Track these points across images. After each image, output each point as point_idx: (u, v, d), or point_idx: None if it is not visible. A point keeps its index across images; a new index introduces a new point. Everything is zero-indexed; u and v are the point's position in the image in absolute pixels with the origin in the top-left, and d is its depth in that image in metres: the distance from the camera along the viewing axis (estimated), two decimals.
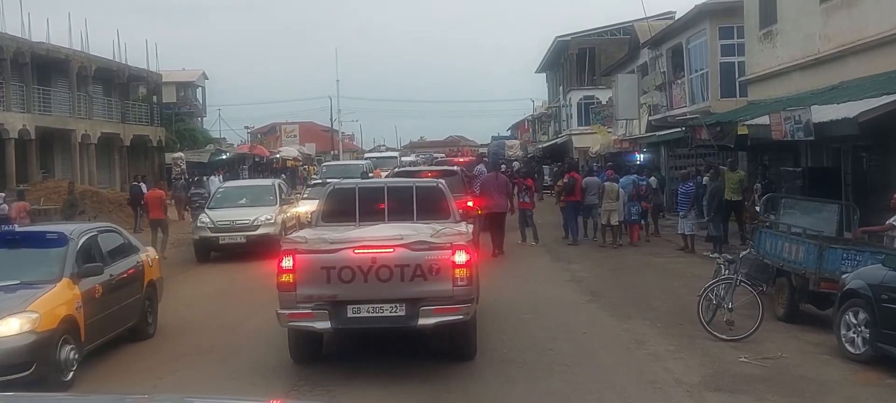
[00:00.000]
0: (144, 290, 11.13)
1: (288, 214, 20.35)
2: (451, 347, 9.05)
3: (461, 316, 8.50)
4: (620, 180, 22.17)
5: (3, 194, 23.98)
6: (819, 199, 11.90)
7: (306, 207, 20.61)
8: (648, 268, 16.08)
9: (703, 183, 19.70)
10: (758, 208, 19.02)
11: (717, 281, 9.97)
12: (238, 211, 19.55)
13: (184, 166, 46.93)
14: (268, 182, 23.69)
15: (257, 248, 18.15)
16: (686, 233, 18.35)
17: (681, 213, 18.68)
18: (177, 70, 73.46)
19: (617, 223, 19.93)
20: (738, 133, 18.93)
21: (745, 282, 9.67)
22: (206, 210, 19.80)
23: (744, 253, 9.92)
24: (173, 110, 64.44)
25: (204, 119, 77.68)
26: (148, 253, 11.83)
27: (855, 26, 17.14)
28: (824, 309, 10.56)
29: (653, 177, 23.08)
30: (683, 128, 23.26)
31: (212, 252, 19.12)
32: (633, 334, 10.26)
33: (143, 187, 28.28)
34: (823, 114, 13.45)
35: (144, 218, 23.23)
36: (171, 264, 19.13)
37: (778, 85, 21.18)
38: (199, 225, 19.35)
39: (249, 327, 11.74)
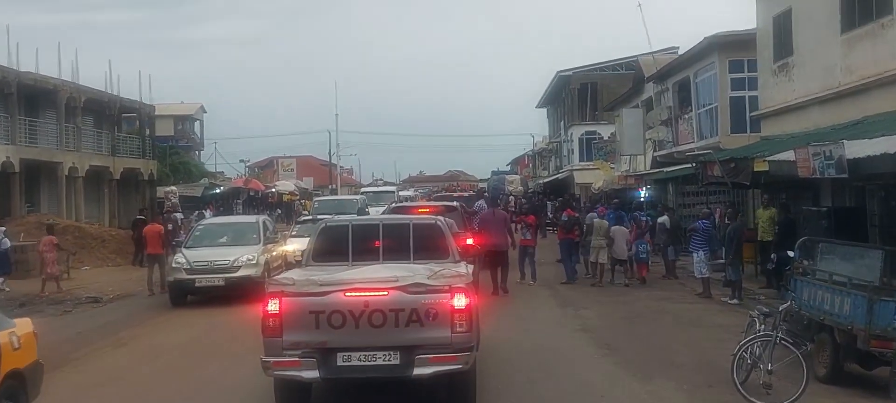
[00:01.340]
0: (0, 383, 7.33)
1: (273, 254, 19.02)
2: (449, 399, 8.36)
3: (460, 366, 7.86)
4: (610, 215, 21.70)
5: (4, 228, 23.17)
6: (860, 244, 10.74)
7: (294, 246, 19.46)
8: (665, 316, 14.82)
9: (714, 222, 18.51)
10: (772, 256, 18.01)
11: (754, 339, 8.73)
12: (217, 250, 18.22)
13: (176, 200, 45.89)
14: (252, 219, 22.41)
15: (238, 292, 16.91)
16: (703, 277, 17.13)
17: (693, 252, 17.46)
18: (175, 103, 72.97)
19: (604, 261, 19.59)
20: (755, 170, 17.76)
21: (786, 340, 8.43)
22: (182, 249, 18.43)
23: (784, 306, 8.66)
24: (169, 143, 63.71)
25: (201, 152, 77.14)
26: (15, 330, 7.80)
27: (880, 57, 16.10)
28: (872, 368, 9.36)
29: (664, 216, 21.96)
30: (694, 165, 22.14)
31: (188, 295, 17.77)
32: (658, 399, 8.96)
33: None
34: (856, 149, 12.29)
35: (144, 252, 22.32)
36: (142, 308, 18.01)
37: (794, 120, 20.13)
38: (173, 265, 17.98)
39: (230, 381, 10.60)
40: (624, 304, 16.43)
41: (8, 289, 21.30)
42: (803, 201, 19.57)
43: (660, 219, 21.84)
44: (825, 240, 10.40)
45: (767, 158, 16.38)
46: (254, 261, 17.68)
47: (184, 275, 17.44)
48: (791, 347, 8.40)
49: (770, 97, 21.83)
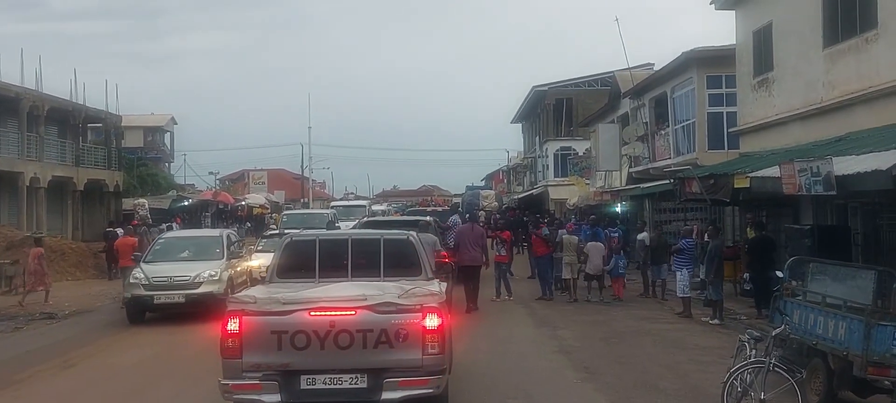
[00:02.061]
0: None
1: (237, 269, 18.24)
2: None
3: (431, 390, 7.57)
4: (585, 231, 21.85)
5: None
6: (852, 264, 10.24)
7: (259, 261, 18.70)
8: (645, 337, 14.25)
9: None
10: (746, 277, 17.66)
11: (745, 366, 8.16)
12: (178, 265, 17.41)
13: (148, 212, 44.87)
14: (215, 232, 21.59)
15: (199, 309, 16.11)
16: (684, 296, 16.62)
17: (677, 271, 16.97)
18: (145, 114, 71.86)
19: (575, 277, 19.60)
20: (736, 186, 17.34)
21: (779, 367, 7.87)
22: (140, 264, 17.57)
23: (777, 330, 8.10)
24: (138, 155, 62.62)
25: (171, 164, 75.96)
26: None
27: (864, 73, 15.75)
28: (866, 396, 8.84)
29: (644, 233, 21.52)
30: (672, 181, 21.72)
31: (146, 313, 16.93)
32: None
33: (119, 232, 27.27)
34: (844, 166, 11.83)
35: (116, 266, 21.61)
36: (99, 326, 17.16)
37: (774, 136, 19.76)
38: (131, 281, 17.12)
39: (189, 398, 10.14)
40: (602, 324, 15.86)
41: None
42: (783, 219, 19.19)
43: (639, 236, 21.37)
44: (816, 260, 9.87)
45: (749, 174, 15.93)
46: (216, 277, 16.90)
47: (142, 291, 16.61)
48: (785, 374, 7.83)
49: (749, 113, 21.47)
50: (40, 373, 12.06)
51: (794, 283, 9.91)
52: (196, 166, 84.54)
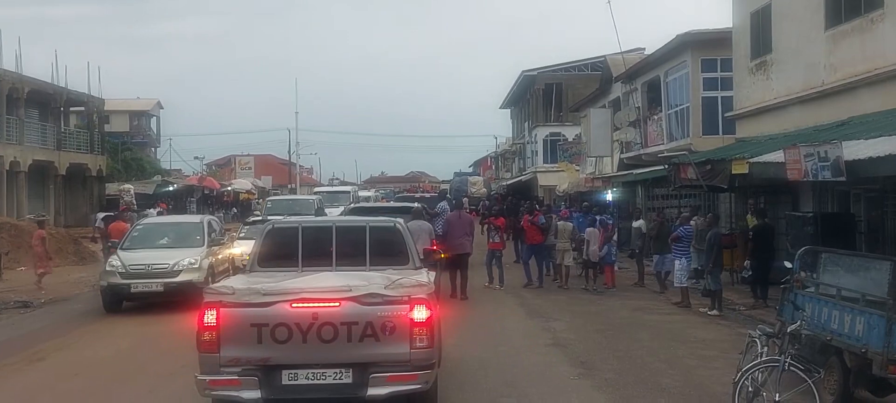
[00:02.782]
0: None
1: (218, 257, 17.55)
2: None
3: (419, 386, 7.26)
4: (580, 218, 21.57)
5: None
6: (866, 254, 9.70)
7: (242, 248, 18.03)
8: (642, 329, 13.67)
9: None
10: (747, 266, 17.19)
11: (757, 364, 7.59)
12: (156, 252, 16.67)
13: (133, 197, 44.12)
14: (195, 219, 20.84)
15: (178, 298, 15.43)
16: (682, 286, 16.08)
17: (675, 259, 16.42)
18: (131, 99, 70.88)
19: (569, 263, 19.46)
20: (734, 172, 16.78)
21: (796, 366, 7.31)
22: (117, 251, 16.83)
23: (793, 326, 7.53)
24: (123, 140, 61.79)
25: (157, 149, 75.11)
26: None
27: (869, 54, 15.22)
28: (883, 395, 8.33)
29: (640, 220, 21.01)
30: (666, 167, 21.17)
31: (123, 302, 16.24)
32: None
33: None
34: (855, 151, 11.29)
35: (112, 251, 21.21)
36: (74, 315, 16.47)
37: (773, 120, 19.26)
38: (107, 268, 16.40)
39: (163, 396, 9.53)
40: (596, 315, 15.29)
41: None
42: (781, 206, 18.70)
43: (634, 224, 20.83)
44: (828, 250, 9.31)
45: (749, 160, 15.38)
46: (196, 265, 16.22)
47: (118, 280, 15.89)
48: (802, 374, 7.28)
49: (746, 97, 20.96)
50: (7, 367, 11.37)
51: (804, 275, 9.33)
52: (182, 151, 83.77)
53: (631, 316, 15.16)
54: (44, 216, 27.83)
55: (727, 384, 8.90)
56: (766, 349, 7.85)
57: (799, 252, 9.34)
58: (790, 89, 18.27)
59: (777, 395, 7.23)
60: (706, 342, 12.33)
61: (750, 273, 16.14)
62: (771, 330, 8.10)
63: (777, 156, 13.66)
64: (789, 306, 8.78)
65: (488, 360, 10.96)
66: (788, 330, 7.52)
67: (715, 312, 14.98)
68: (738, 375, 7.65)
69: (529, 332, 13.47)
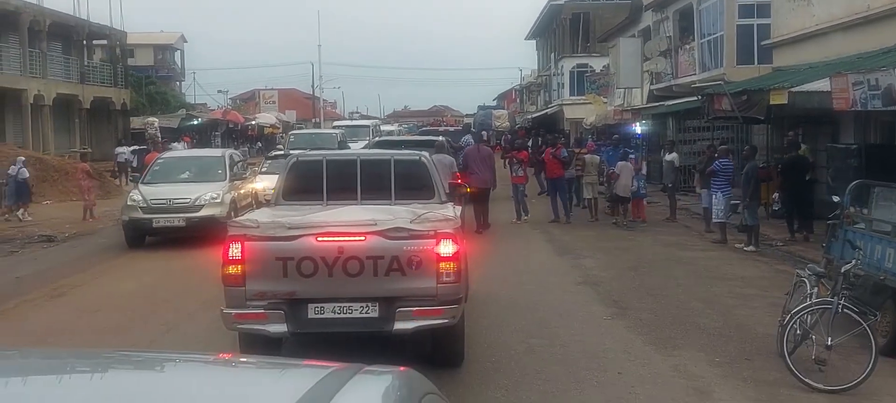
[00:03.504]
0: None
1: (241, 192, 17.26)
2: (435, 352, 7.60)
3: (446, 320, 7.09)
4: (610, 152, 21.40)
5: (23, 159, 22.63)
6: None
7: (264, 183, 17.71)
8: (677, 266, 13.22)
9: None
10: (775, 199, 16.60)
11: (809, 306, 7.14)
12: (178, 187, 16.37)
13: (157, 131, 43.94)
14: (217, 152, 20.51)
15: (200, 233, 15.18)
16: (720, 221, 15.56)
17: (713, 194, 15.87)
18: (155, 32, 70.42)
19: (597, 197, 19.42)
20: (772, 102, 16.11)
21: (850, 308, 6.85)
22: (138, 185, 16.57)
23: (847, 266, 7.04)
24: (147, 73, 61.58)
25: (182, 83, 74.86)
26: None
27: None
28: None
29: (673, 154, 20.39)
30: (699, 97, 20.49)
31: (146, 236, 16.05)
32: (687, 376, 7.33)
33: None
34: None
35: None
36: (97, 249, 16.33)
37: (812, 49, 18.44)
38: (129, 203, 16.15)
39: (184, 332, 9.32)
40: (628, 251, 14.85)
41: (30, 218, 21.05)
42: (821, 138, 18.01)
43: (667, 157, 20.23)
44: (881, 184, 8.75)
45: (789, 89, 14.69)
46: (218, 200, 15.94)
47: (140, 214, 15.68)
48: (857, 317, 6.82)
49: (785, 24, 20.10)
50: (26, 303, 11.23)
51: (853, 210, 8.81)
52: (206, 85, 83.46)
53: (664, 252, 14.71)
54: (87, 149, 28.09)
55: (769, 325, 8.52)
56: (816, 290, 7.38)
57: (849, 186, 8.80)
58: (833, 15, 17.42)
59: (830, 339, 6.79)
60: (745, 280, 11.87)
61: (779, 205, 15.62)
62: (821, 270, 7.63)
63: (821, 85, 13.01)
64: (837, 243, 8.29)
65: (516, 299, 10.62)
66: (842, 271, 7.04)
67: (751, 248, 14.48)
68: (788, 317, 7.21)
69: (558, 269, 13.10)
